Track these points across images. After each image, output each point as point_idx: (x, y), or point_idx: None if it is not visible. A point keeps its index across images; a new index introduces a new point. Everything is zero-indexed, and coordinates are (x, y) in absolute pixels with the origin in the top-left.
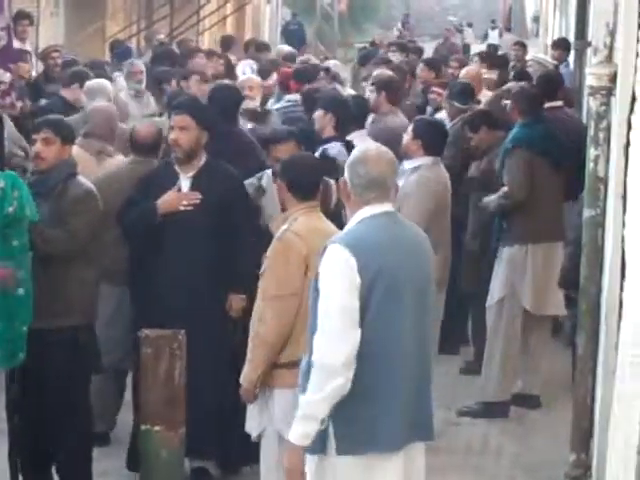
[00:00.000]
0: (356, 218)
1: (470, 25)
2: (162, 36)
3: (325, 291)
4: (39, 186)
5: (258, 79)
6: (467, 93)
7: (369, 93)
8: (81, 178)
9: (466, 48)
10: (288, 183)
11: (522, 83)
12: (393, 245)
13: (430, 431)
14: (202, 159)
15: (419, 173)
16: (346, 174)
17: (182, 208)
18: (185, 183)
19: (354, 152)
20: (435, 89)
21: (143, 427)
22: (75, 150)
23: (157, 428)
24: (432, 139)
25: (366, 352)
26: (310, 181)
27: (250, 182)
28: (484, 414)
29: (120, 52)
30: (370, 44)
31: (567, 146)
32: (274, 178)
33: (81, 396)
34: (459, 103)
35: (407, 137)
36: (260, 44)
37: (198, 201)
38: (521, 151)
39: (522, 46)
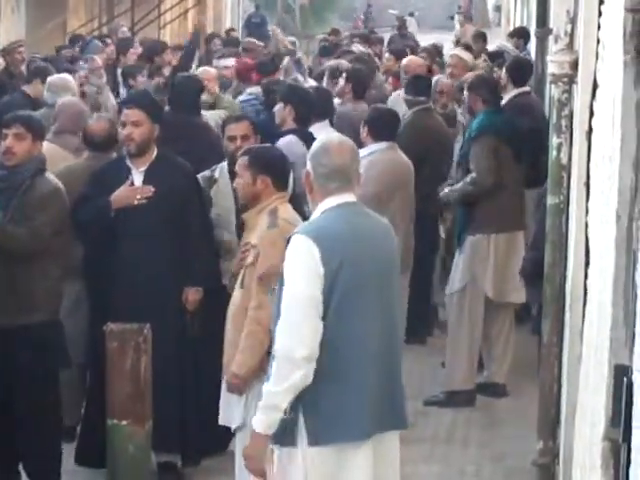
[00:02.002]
0: (320, 209)
1: (412, 14)
2: (125, 29)
3: (289, 281)
4: (6, 181)
5: (214, 71)
6: (423, 85)
7: (340, 81)
8: (49, 175)
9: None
10: (272, 177)
11: (479, 72)
12: (356, 235)
13: (403, 420)
14: (153, 153)
15: (368, 158)
16: (308, 165)
17: (136, 202)
18: (137, 177)
19: (316, 143)
20: (391, 80)
21: (110, 422)
22: (51, 147)
23: (124, 422)
24: (380, 125)
25: (332, 343)
26: (286, 170)
27: (204, 174)
28: (450, 403)
29: (89, 47)
30: (329, 34)
31: (528, 134)
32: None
33: (49, 393)
34: (413, 95)
35: (362, 127)
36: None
37: (151, 194)
38: (487, 138)
39: (482, 38)
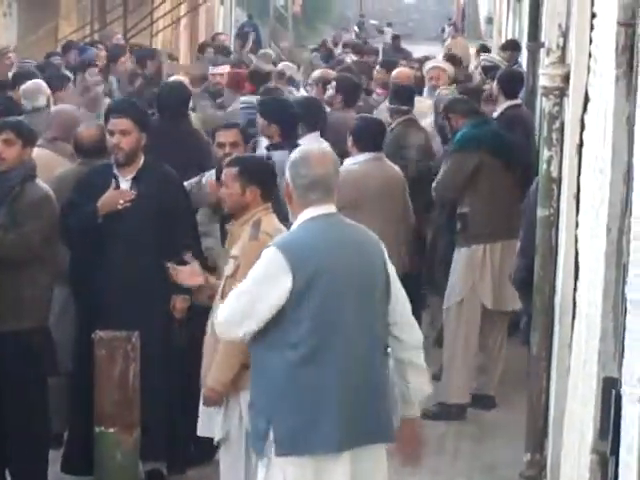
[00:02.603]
0: (299, 220)
1: (390, 25)
2: (120, 36)
3: (247, 287)
4: None
5: None
6: (406, 95)
7: (330, 90)
8: (39, 181)
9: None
10: (262, 188)
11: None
12: (332, 247)
13: (384, 433)
14: (141, 161)
15: (346, 168)
16: (288, 175)
17: (120, 207)
18: (125, 185)
19: (295, 153)
20: (378, 91)
21: (97, 429)
22: (46, 154)
23: (112, 430)
24: (366, 136)
25: (305, 354)
26: (274, 182)
27: (191, 181)
28: (442, 416)
29: (85, 54)
30: (320, 46)
31: (517, 145)
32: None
33: (38, 400)
34: (397, 105)
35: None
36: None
37: (134, 197)
38: (468, 153)
39: (511, 46)
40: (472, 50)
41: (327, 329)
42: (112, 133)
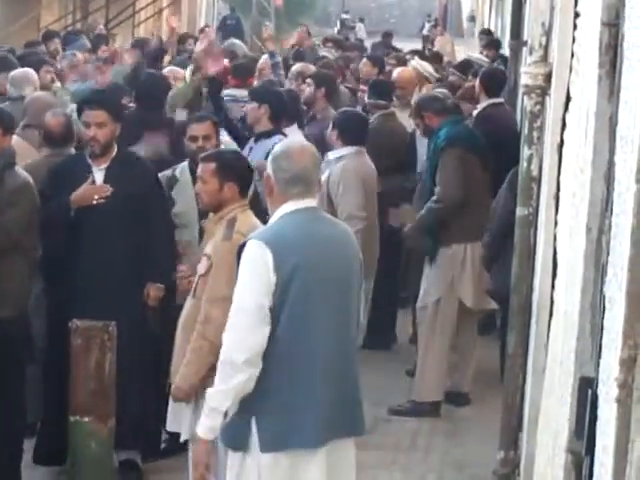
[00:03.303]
0: (278, 213)
1: (362, 20)
2: (102, 26)
3: (239, 287)
4: None
5: (182, 71)
6: (384, 90)
7: (306, 87)
8: (18, 169)
9: (360, 43)
10: (239, 184)
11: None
12: (312, 241)
13: (360, 426)
14: (114, 151)
15: (343, 163)
16: (269, 169)
17: (94, 202)
18: (98, 175)
19: (277, 146)
20: (362, 87)
21: (72, 418)
22: (16, 141)
23: (86, 419)
24: (350, 129)
25: (283, 349)
26: (251, 178)
27: (164, 174)
28: (415, 413)
29: (74, 43)
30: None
31: (493, 146)
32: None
33: (15, 389)
34: (375, 99)
35: (329, 129)
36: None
37: (109, 193)
38: (455, 149)
39: (494, 45)
40: (456, 47)
41: (306, 324)
42: (88, 125)
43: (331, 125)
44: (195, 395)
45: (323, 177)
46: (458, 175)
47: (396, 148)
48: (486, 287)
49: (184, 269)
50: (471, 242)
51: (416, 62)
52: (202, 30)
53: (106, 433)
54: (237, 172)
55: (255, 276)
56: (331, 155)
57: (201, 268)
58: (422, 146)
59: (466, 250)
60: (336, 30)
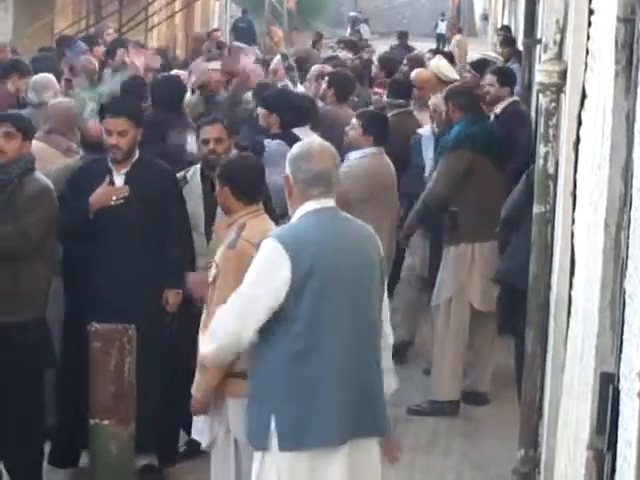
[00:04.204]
0: (298, 213)
1: (366, 21)
2: (111, 31)
3: (249, 282)
4: None
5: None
6: (403, 90)
7: (323, 84)
8: (38, 174)
9: (364, 43)
10: (231, 188)
11: (456, 83)
12: (331, 241)
13: (383, 427)
14: (135, 155)
15: (365, 160)
16: (288, 169)
17: (112, 203)
18: (119, 179)
19: (295, 147)
20: (377, 89)
21: (92, 422)
22: (41, 147)
23: (106, 422)
24: (380, 130)
25: (301, 348)
26: (254, 184)
27: (176, 176)
28: (434, 412)
29: (74, 47)
30: (314, 40)
31: (509, 143)
32: (219, 182)
33: (34, 393)
34: (394, 98)
35: (356, 130)
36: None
37: (127, 193)
38: (461, 152)
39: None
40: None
41: (325, 323)
42: (109, 133)
43: (361, 129)
44: (215, 403)
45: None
46: (450, 177)
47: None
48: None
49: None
50: (479, 242)
51: (435, 63)
52: (210, 34)
53: (126, 436)
54: (229, 175)
55: (264, 275)
56: (352, 156)
57: (210, 276)
58: (429, 148)
59: (474, 250)
60: (348, 32)
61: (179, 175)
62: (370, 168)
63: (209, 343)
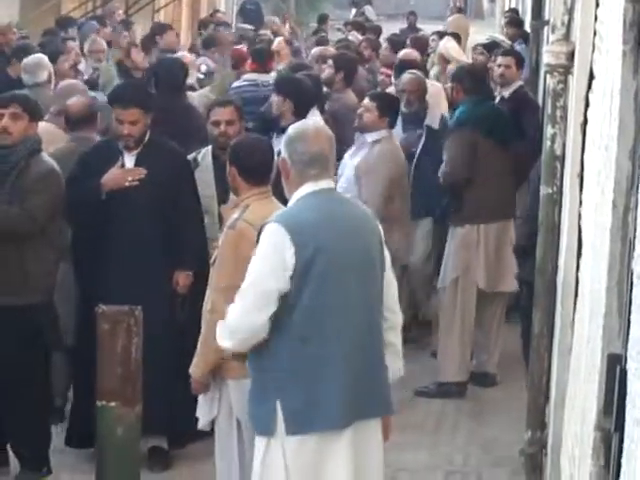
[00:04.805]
0: (296, 196)
1: (369, 2)
2: (121, 12)
3: (254, 267)
4: (1, 161)
5: (189, 55)
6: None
7: (327, 68)
8: (44, 155)
9: (372, 24)
10: (239, 168)
11: (462, 62)
12: (332, 222)
13: (387, 406)
14: (146, 137)
15: (380, 146)
16: (284, 152)
17: (127, 184)
18: (129, 160)
19: (291, 129)
20: (384, 70)
21: (99, 403)
22: (48, 128)
23: (113, 404)
24: (394, 113)
25: (305, 332)
26: (261, 165)
27: (189, 157)
28: (441, 394)
29: (84, 27)
30: (318, 22)
31: (513, 126)
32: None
33: (40, 374)
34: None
35: (371, 112)
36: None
37: (142, 176)
38: (464, 131)
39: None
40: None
41: (329, 306)
42: (121, 122)
43: (377, 110)
44: (216, 384)
45: (357, 159)
46: (462, 156)
47: None
48: (514, 271)
49: None
50: (484, 223)
51: (444, 44)
52: (212, 15)
53: (133, 418)
54: (238, 156)
55: (270, 259)
56: (369, 138)
57: (213, 257)
58: None
59: (479, 231)
60: (352, 14)
61: (190, 157)
62: (396, 151)
63: (228, 339)
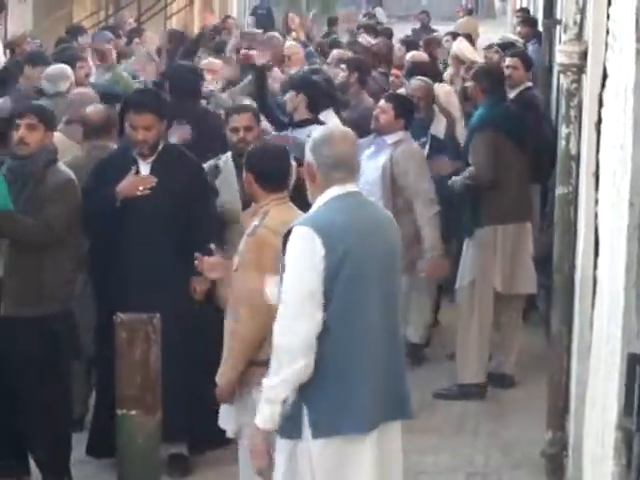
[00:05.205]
0: (322, 199)
1: (380, 4)
2: (131, 20)
3: (289, 273)
4: (18, 172)
5: (219, 62)
6: (421, 72)
7: (341, 72)
8: (61, 165)
9: (384, 27)
10: (255, 175)
11: (482, 63)
12: (359, 226)
13: (406, 410)
14: (160, 145)
15: (405, 147)
16: (310, 155)
17: (139, 193)
18: (144, 168)
19: (316, 133)
20: (394, 71)
21: (119, 412)
22: (58, 137)
23: (133, 412)
24: (409, 114)
25: (334, 335)
26: (278, 171)
27: (209, 164)
28: (461, 396)
29: (97, 37)
30: (328, 24)
31: (530, 126)
32: (244, 169)
33: (59, 383)
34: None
35: (387, 113)
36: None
37: (154, 184)
38: (486, 132)
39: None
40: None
41: (356, 309)
42: (135, 128)
43: (393, 112)
44: (241, 392)
45: (380, 161)
46: (489, 157)
47: None
48: (531, 273)
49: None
50: (502, 224)
51: (457, 45)
52: (224, 20)
53: (153, 426)
54: (254, 163)
55: (303, 261)
56: (389, 140)
57: (235, 263)
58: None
59: (497, 233)
60: (361, 16)
61: (211, 163)
62: (419, 151)
63: (291, 362)
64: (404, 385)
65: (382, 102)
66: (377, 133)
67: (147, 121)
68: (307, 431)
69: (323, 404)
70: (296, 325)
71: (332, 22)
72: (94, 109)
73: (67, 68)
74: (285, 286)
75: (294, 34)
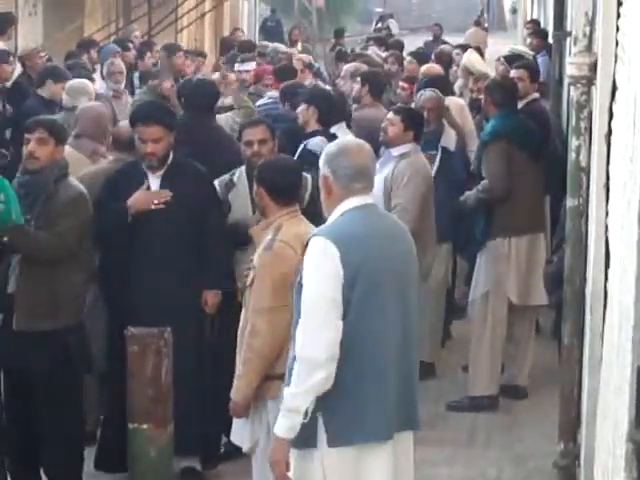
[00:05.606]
0: (339, 211)
1: (391, 16)
2: (138, 33)
3: (308, 283)
4: (29, 186)
5: (233, 76)
6: (435, 85)
7: (355, 85)
8: (72, 180)
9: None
10: (267, 188)
11: (494, 76)
12: (375, 237)
13: (416, 420)
14: (170, 158)
15: (409, 159)
16: (326, 168)
17: (153, 207)
18: (154, 182)
19: (331, 146)
20: (402, 84)
21: (131, 426)
22: (67, 151)
23: (145, 426)
24: (419, 127)
25: (350, 344)
26: (290, 185)
27: (222, 178)
28: (473, 408)
29: (104, 50)
30: (334, 37)
31: (542, 138)
32: (256, 182)
33: (71, 397)
34: None
35: (395, 126)
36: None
37: (169, 198)
38: (499, 143)
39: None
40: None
41: (372, 320)
42: (144, 141)
43: (401, 124)
44: (256, 406)
45: (384, 174)
46: (502, 168)
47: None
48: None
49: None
50: (516, 236)
51: (467, 57)
52: (232, 33)
53: (165, 439)
54: (265, 177)
55: (323, 270)
56: (395, 152)
57: (248, 279)
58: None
59: (510, 244)
60: (372, 28)
61: (225, 177)
62: (424, 165)
63: (314, 373)
64: (415, 396)
65: (390, 114)
66: (385, 146)
67: (155, 133)
68: (322, 439)
69: (340, 414)
70: (320, 335)
71: (339, 34)
72: (126, 124)
73: (88, 83)
74: (306, 296)
75: (299, 46)
